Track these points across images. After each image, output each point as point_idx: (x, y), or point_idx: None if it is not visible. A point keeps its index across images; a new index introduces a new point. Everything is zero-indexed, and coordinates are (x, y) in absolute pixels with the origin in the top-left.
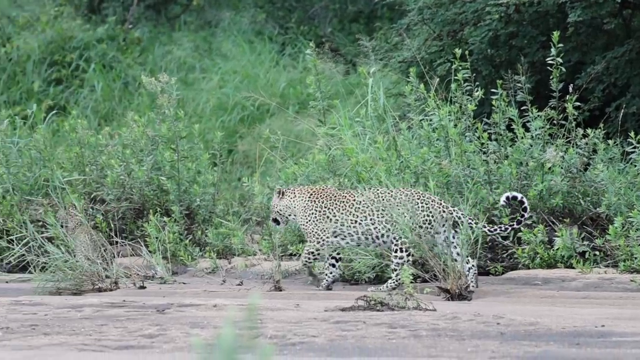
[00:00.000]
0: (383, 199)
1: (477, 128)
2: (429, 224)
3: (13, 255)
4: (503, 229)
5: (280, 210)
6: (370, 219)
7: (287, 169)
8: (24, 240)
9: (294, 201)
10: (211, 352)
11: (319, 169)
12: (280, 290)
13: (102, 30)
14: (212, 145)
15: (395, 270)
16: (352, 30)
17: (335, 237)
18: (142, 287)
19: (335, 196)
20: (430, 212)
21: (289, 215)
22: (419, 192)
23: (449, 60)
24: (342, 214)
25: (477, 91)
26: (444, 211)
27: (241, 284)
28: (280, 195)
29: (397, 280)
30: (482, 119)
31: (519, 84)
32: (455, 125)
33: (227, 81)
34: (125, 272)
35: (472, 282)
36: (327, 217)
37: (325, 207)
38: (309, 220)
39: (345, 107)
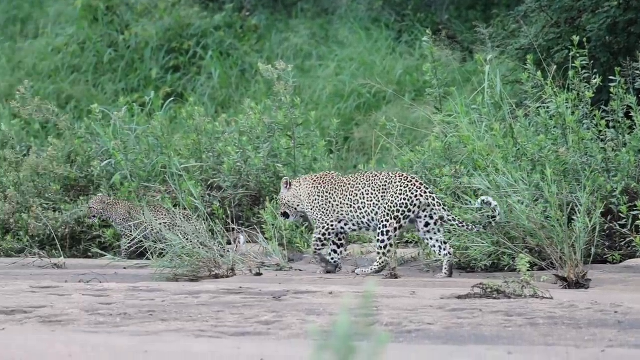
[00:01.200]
0: (368, 183)
1: (594, 116)
2: (405, 207)
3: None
4: (464, 225)
5: (289, 202)
6: (361, 203)
7: (403, 156)
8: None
9: (299, 190)
10: (327, 339)
11: (435, 156)
12: (396, 278)
13: (219, 17)
14: (329, 132)
15: (379, 254)
16: (469, 17)
17: (339, 222)
18: (259, 274)
19: (336, 182)
20: (409, 195)
21: (297, 205)
22: (401, 175)
23: (566, 48)
24: (340, 199)
25: (594, 79)
26: (422, 195)
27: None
28: (288, 186)
29: (380, 264)
30: (599, 106)
31: (638, 71)
32: (573, 113)
33: (343, 68)
34: (241, 258)
35: (445, 269)
36: (330, 202)
37: (327, 193)
38: (314, 207)
39: (461, 95)
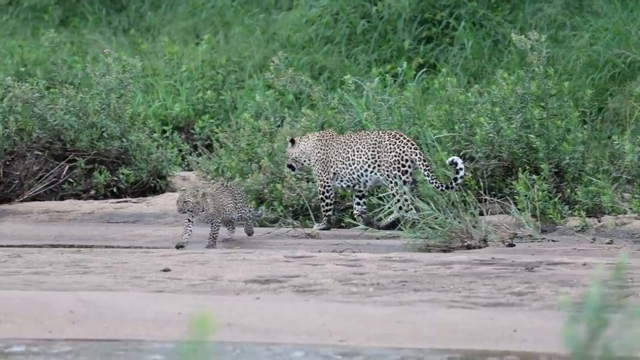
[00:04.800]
0: (359, 141)
1: None
2: (398, 164)
3: (385, 212)
4: (440, 186)
5: (296, 158)
6: (351, 160)
7: None
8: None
9: (306, 146)
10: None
11: None
12: None
13: None
14: (582, 103)
15: (399, 211)
16: None
17: (335, 179)
18: (511, 245)
19: (334, 139)
20: (399, 153)
21: (304, 161)
22: (391, 133)
23: None
24: (336, 155)
25: None
26: (408, 150)
27: (611, 242)
28: (292, 144)
29: (398, 217)
30: None
31: None
32: None
33: (597, 39)
34: (493, 229)
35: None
36: (329, 159)
37: (327, 149)
38: (314, 163)
39: None
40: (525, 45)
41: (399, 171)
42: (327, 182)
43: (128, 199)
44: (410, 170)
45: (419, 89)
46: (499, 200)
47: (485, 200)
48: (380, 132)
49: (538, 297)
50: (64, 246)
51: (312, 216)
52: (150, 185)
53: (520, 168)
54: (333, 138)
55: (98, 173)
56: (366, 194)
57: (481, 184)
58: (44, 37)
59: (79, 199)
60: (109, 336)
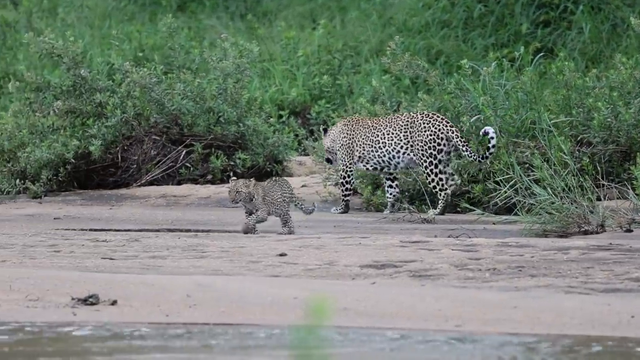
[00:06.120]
0: (390, 124)
1: None
2: (434, 142)
3: (499, 197)
4: (478, 158)
5: (328, 147)
6: (382, 143)
7: None
8: (511, 182)
9: (334, 133)
10: None
11: None
12: None
13: None
14: None
15: (437, 193)
16: None
17: (360, 162)
18: (629, 231)
19: (360, 124)
20: (434, 131)
21: (335, 148)
22: (424, 113)
23: None
24: (363, 139)
25: None
26: (444, 127)
27: None
28: (324, 133)
29: (443, 200)
30: None
31: None
32: None
33: None
34: (611, 215)
35: (441, 202)
36: (353, 143)
37: (352, 133)
38: (339, 148)
39: None
40: None
41: (434, 150)
42: (350, 167)
43: None
44: (445, 148)
45: (536, 73)
46: (616, 186)
47: (603, 185)
48: (411, 113)
49: None
50: (181, 230)
51: (427, 201)
52: (267, 170)
53: (638, 153)
54: (359, 123)
55: (215, 158)
56: (397, 176)
57: (599, 169)
58: (162, 22)
59: (196, 183)
60: (226, 320)
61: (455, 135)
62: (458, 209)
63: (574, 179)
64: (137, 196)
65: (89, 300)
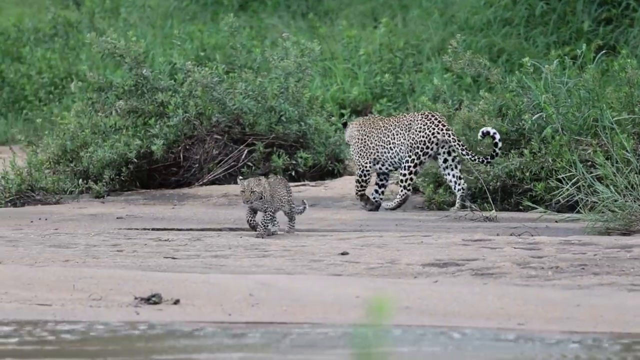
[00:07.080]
0: (397, 124)
1: None
2: (424, 144)
3: (562, 195)
4: (479, 159)
5: (348, 142)
6: (392, 144)
7: None
8: (573, 180)
9: (352, 131)
10: None
11: None
12: None
13: None
14: None
15: (401, 188)
16: None
17: (376, 164)
18: None
19: (373, 125)
20: (428, 133)
21: (351, 150)
22: (424, 113)
23: None
24: (376, 141)
25: None
26: (439, 132)
27: None
28: (344, 127)
29: (402, 197)
30: None
31: None
32: None
33: None
34: None
35: (458, 203)
36: (367, 145)
37: (366, 135)
38: (354, 148)
39: None
40: None
41: (421, 151)
42: (367, 168)
43: (306, 182)
44: (431, 153)
45: (598, 71)
46: None
47: None
48: (414, 112)
49: None
50: (243, 229)
51: (490, 199)
52: (328, 169)
53: None
54: (373, 124)
55: (276, 157)
56: (386, 182)
57: None
58: (223, 21)
59: None
60: (288, 319)
61: (453, 138)
62: (520, 207)
63: (637, 176)
64: (199, 195)
65: (152, 300)
